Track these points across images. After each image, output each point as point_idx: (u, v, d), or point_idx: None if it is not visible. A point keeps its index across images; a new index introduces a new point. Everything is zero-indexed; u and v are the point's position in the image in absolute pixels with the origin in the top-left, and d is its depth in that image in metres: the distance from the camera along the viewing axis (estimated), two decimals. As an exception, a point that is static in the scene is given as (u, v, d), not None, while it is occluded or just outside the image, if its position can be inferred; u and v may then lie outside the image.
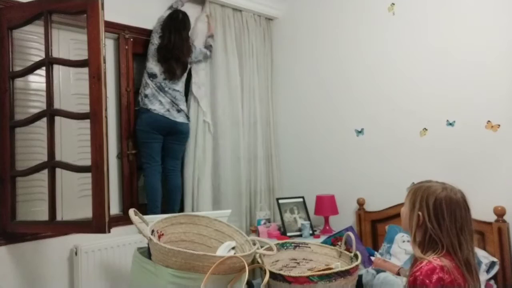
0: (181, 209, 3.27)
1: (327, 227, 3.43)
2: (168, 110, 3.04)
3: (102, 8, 2.22)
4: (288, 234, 3.33)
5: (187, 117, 3.20)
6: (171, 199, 3.15)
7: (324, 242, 2.52)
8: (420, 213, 1.53)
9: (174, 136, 3.12)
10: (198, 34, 3.40)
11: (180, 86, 3.15)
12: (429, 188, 1.56)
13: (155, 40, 3.09)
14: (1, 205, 2.44)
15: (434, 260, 1.45)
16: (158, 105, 3.01)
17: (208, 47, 3.41)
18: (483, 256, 2.61)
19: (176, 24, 3.12)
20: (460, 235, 1.50)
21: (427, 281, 1.40)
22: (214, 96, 3.49)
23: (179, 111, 3.10)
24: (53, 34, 2.45)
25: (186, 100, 3.28)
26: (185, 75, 3.21)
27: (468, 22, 2.91)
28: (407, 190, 1.66)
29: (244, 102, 3.72)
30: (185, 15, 3.22)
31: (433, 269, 1.42)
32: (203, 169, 3.34)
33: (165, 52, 3.04)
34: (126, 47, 3.11)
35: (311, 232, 3.34)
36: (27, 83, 2.62)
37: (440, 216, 1.50)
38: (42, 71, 2.41)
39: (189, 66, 3.24)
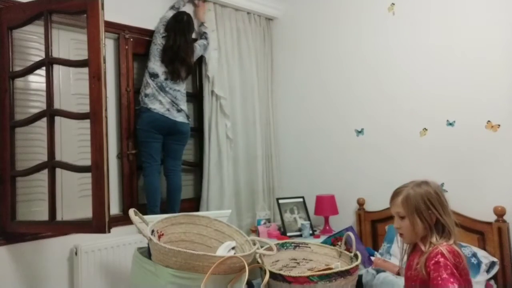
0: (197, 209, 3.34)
1: (327, 227, 3.43)
2: (168, 110, 3.04)
3: (102, 8, 2.22)
4: (288, 234, 3.34)
5: (187, 117, 3.20)
6: (171, 199, 3.14)
7: (324, 242, 2.52)
8: (431, 212, 1.61)
9: (174, 136, 3.12)
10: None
11: (181, 86, 3.15)
12: (419, 188, 1.65)
13: (159, 41, 3.09)
14: (1, 205, 2.44)
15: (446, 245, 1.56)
16: (158, 104, 3.01)
17: (203, 34, 3.40)
18: (483, 256, 2.61)
19: (181, 26, 3.12)
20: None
21: (443, 259, 1.50)
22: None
23: (179, 110, 3.10)
24: (53, 34, 2.44)
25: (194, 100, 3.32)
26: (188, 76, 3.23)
27: (467, 22, 2.91)
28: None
29: (244, 102, 3.72)
30: (189, 17, 3.22)
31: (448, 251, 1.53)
32: (213, 169, 3.39)
33: (170, 53, 3.04)
34: (126, 47, 3.11)
35: (311, 232, 3.34)
36: (27, 83, 2.62)
37: (444, 204, 1.63)
38: (42, 71, 2.41)
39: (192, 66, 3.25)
